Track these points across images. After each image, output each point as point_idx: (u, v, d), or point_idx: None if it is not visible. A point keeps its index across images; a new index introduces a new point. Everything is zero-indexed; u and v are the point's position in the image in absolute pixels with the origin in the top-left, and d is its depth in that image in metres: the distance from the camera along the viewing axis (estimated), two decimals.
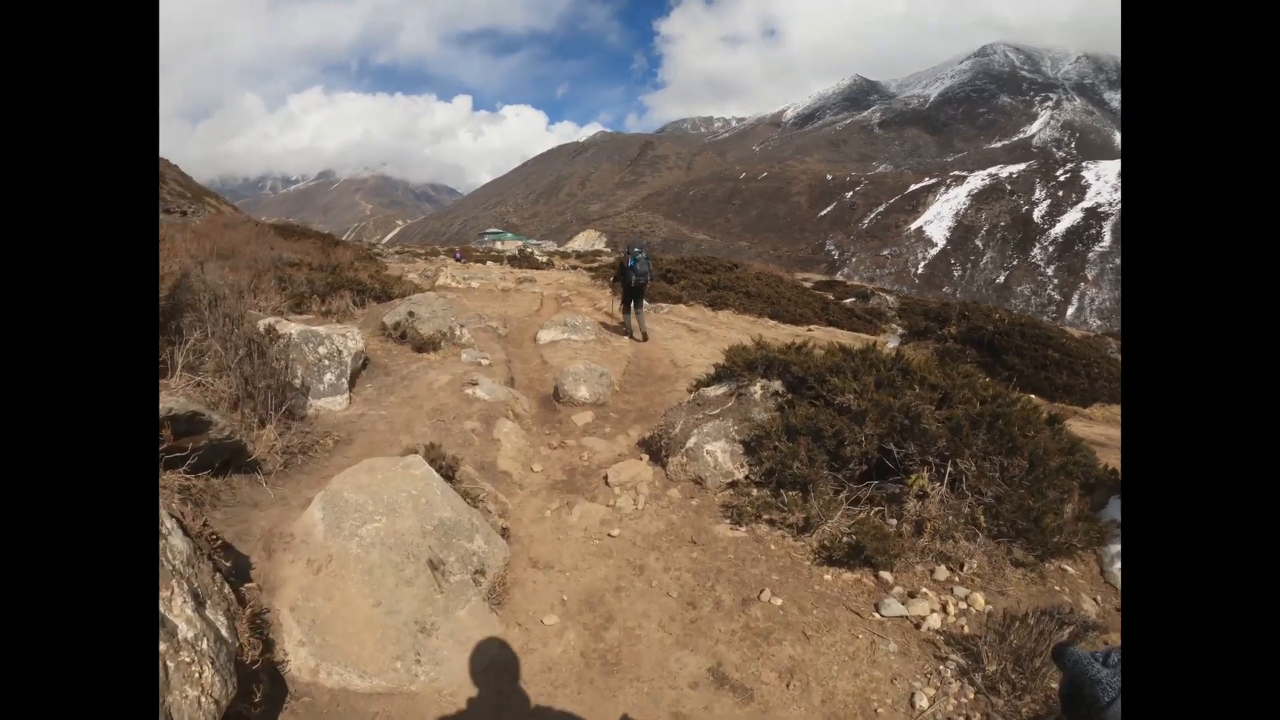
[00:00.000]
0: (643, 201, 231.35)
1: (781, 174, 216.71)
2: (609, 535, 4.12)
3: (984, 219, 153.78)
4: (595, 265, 33.57)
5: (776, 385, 5.25)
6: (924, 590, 3.50)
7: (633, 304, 10.20)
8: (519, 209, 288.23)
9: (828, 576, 3.73)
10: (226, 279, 6.99)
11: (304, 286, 8.79)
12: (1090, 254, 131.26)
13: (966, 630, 3.20)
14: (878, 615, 3.35)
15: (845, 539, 3.87)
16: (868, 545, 3.71)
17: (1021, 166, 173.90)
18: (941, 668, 2.98)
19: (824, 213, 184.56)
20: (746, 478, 4.84)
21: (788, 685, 2.95)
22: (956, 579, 3.57)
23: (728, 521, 4.29)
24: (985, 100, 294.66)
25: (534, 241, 72.72)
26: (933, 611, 3.30)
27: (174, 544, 2.28)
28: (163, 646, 1.91)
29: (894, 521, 4.03)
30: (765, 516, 4.26)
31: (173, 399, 3.41)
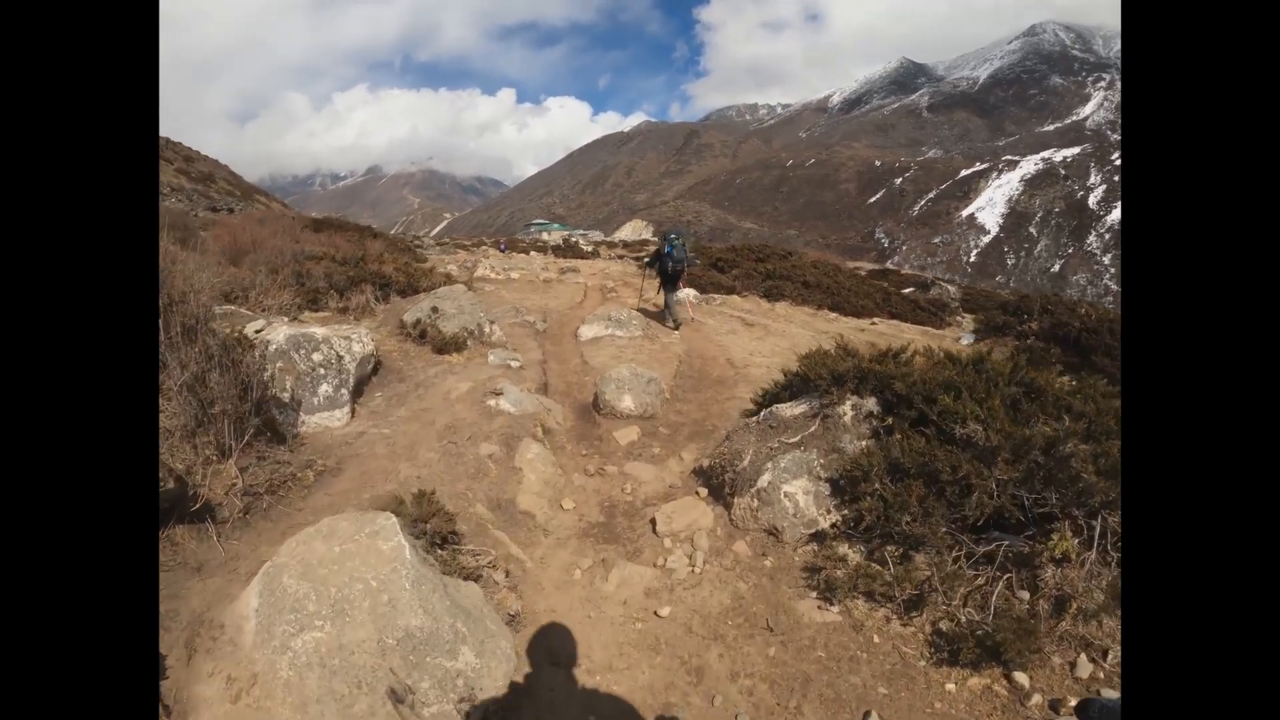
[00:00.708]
0: (689, 191, 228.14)
1: (829, 160, 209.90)
2: (656, 615, 3.05)
3: (1037, 205, 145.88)
4: (642, 254, 32.59)
5: (870, 405, 4.10)
6: (1067, 699, 2.50)
7: (669, 291, 9.70)
8: (565, 200, 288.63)
9: (950, 686, 2.63)
10: (223, 275, 6.19)
11: (321, 281, 8.00)
12: None
13: None
14: None
15: (973, 628, 2.76)
16: (1007, 642, 2.59)
17: (1075, 150, 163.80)
18: None
19: (873, 200, 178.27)
20: (833, 526, 3.74)
21: None
22: (1101, 674, 2.59)
23: (814, 595, 3.18)
24: (1036, 81, 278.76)
25: (580, 231, 72.12)
26: None
27: None
28: None
29: (1025, 594, 2.92)
30: (863, 588, 3.15)
31: None
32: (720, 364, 7.83)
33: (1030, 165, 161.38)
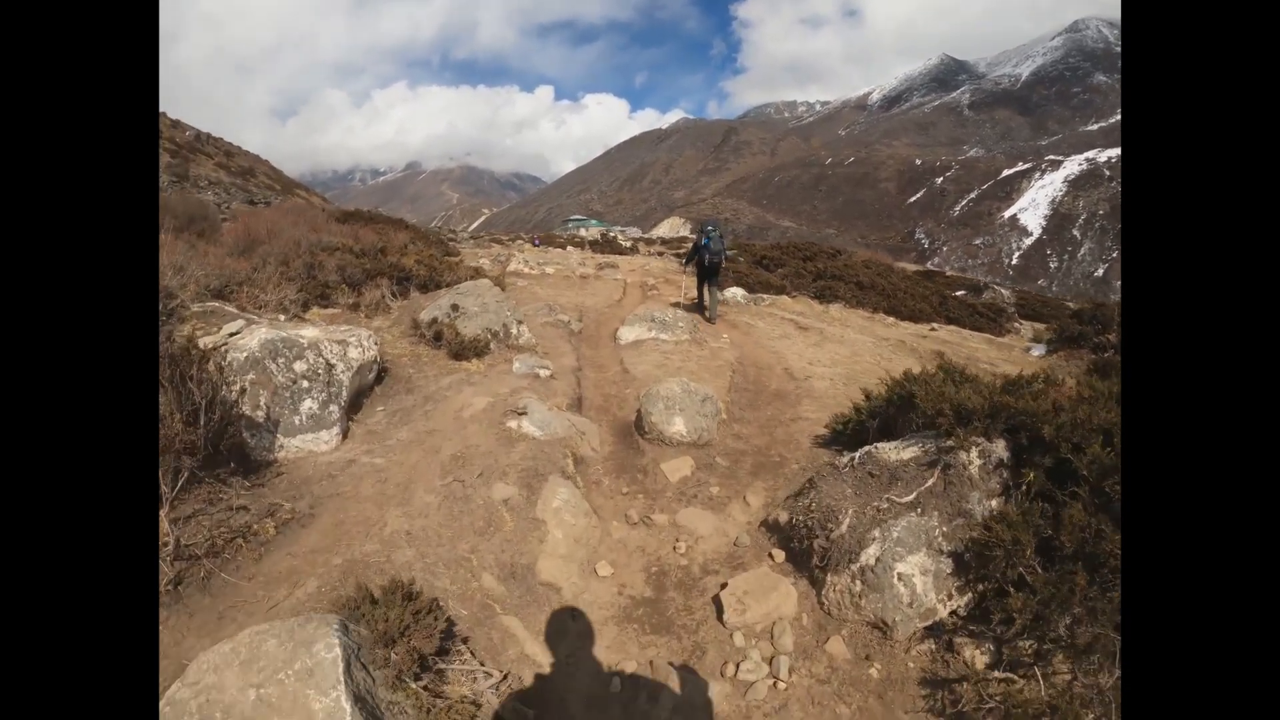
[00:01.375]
0: (727, 188, 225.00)
1: (868, 159, 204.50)
2: None
3: (1081, 207, 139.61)
4: (681, 251, 31.67)
5: (1000, 450, 3.04)
6: None
7: (707, 284, 9.35)
8: (603, 196, 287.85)
9: None
10: (219, 267, 5.39)
11: (333, 274, 7.19)
12: None
13: None
14: None
15: None
16: None
17: (1120, 150, 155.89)
18: None
19: (913, 199, 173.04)
20: (952, 614, 2.72)
21: None
22: None
23: None
24: (1079, 79, 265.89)
25: (618, 228, 71.26)
26: None
27: None
28: None
29: None
30: (1002, 713, 2.15)
31: None
32: (777, 374, 6.78)
33: (1074, 165, 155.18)
